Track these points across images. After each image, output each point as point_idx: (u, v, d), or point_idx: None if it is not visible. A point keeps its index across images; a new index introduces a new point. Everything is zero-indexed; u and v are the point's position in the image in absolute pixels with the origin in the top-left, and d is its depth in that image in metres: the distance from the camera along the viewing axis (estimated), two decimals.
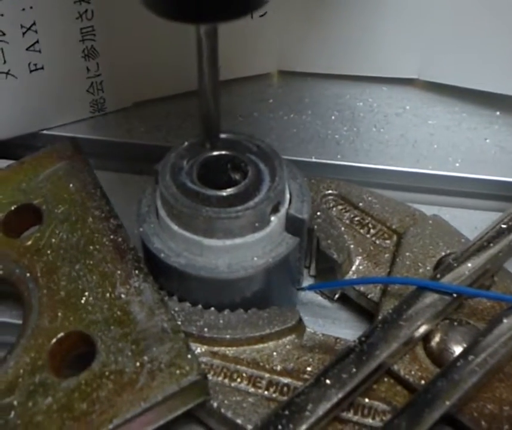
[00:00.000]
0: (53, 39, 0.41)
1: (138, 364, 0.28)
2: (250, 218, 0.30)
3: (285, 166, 0.33)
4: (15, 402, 0.28)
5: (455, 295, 0.31)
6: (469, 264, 0.32)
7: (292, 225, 0.32)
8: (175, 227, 0.31)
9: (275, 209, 0.31)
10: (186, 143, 0.34)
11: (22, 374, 0.29)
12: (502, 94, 0.44)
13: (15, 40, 0.40)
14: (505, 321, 0.30)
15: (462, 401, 0.28)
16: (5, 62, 0.40)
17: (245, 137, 0.34)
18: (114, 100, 0.45)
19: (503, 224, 0.33)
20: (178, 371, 0.28)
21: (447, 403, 0.27)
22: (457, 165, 0.41)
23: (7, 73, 0.41)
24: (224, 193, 0.31)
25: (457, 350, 0.30)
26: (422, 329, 0.30)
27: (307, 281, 0.36)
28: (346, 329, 0.34)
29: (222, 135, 0.34)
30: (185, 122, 0.44)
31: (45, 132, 0.44)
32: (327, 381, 0.28)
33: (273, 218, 0.31)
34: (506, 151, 0.42)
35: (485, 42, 0.43)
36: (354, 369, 0.29)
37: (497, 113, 0.44)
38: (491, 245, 0.32)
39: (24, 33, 0.40)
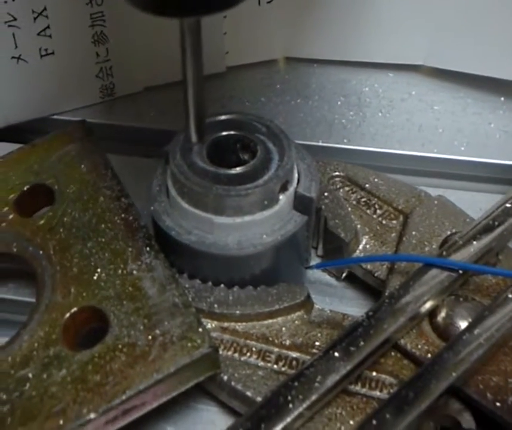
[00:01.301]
0: (63, 25, 0.41)
1: (150, 337, 0.29)
2: (259, 195, 0.31)
3: (293, 147, 0.33)
4: (30, 375, 0.28)
5: (460, 271, 0.31)
6: (475, 242, 0.32)
7: (301, 203, 0.32)
8: (186, 206, 0.32)
9: (284, 188, 0.32)
10: None
11: (36, 348, 0.29)
12: (506, 80, 0.44)
13: (26, 25, 0.40)
14: (510, 296, 0.30)
15: (468, 373, 0.28)
16: (16, 47, 0.41)
17: (254, 117, 0.34)
18: (123, 85, 0.45)
19: (509, 203, 0.34)
20: (189, 344, 0.28)
21: (454, 375, 0.28)
22: (462, 148, 0.42)
23: (18, 58, 0.41)
24: (234, 171, 0.32)
25: (463, 325, 0.30)
26: (428, 304, 0.31)
27: (315, 261, 0.37)
28: (353, 308, 0.34)
29: (232, 116, 0.34)
30: None
31: (55, 117, 0.44)
32: (336, 354, 0.29)
33: (281, 196, 0.32)
34: (510, 135, 0.42)
35: (490, 29, 0.44)
36: (361, 343, 0.29)
37: (502, 98, 0.45)
38: (496, 223, 0.33)
39: (35, 18, 0.40)
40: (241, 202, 0.31)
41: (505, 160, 0.41)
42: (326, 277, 0.36)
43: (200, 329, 0.29)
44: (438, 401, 0.28)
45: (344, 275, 0.36)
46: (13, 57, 0.41)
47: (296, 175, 0.33)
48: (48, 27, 0.41)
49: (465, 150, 0.42)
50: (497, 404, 0.28)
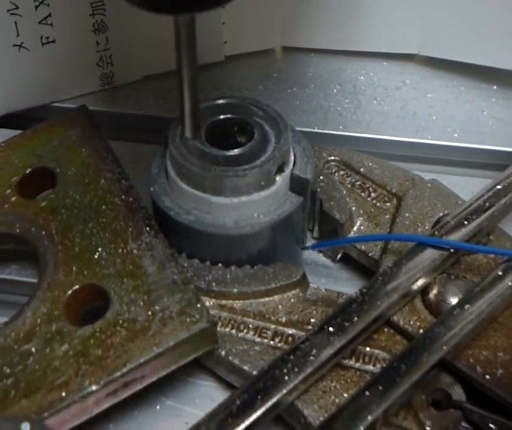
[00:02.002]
0: (64, 13, 0.42)
1: (150, 313, 0.30)
2: (256, 176, 0.32)
3: (290, 130, 0.34)
4: (33, 349, 0.29)
5: (452, 250, 0.32)
6: (466, 222, 0.33)
7: (296, 185, 0.33)
8: (185, 186, 0.32)
9: (280, 170, 0.33)
10: None
11: (39, 324, 0.30)
12: (499, 68, 0.45)
13: (28, 13, 0.41)
14: (500, 273, 0.31)
15: (459, 347, 0.29)
16: (18, 35, 0.41)
17: (251, 101, 0.35)
18: (122, 74, 0.46)
19: (499, 185, 0.35)
20: (188, 319, 0.29)
21: (444, 348, 0.29)
22: (455, 135, 0.42)
23: (20, 46, 0.42)
24: (232, 153, 0.32)
25: (454, 301, 0.31)
26: (421, 282, 0.32)
27: (310, 243, 0.37)
28: (347, 288, 0.35)
29: (230, 100, 0.35)
30: None
31: (56, 104, 0.45)
32: (330, 329, 0.30)
33: (278, 177, 0.33)
34: (502, 122, 0.43)
35: (483, 18, 0.44)
36: (355, 319, 0.30)
37: (495, 87, 0.46)
38: (487, 204, 0.34)
39: (36, 7, 0.41)
40: (238, 182, 0.32)
41: (497, 147, 0.42)
42: (322, 258, 0.37)
43: (199, 305, 0.30)
44: (430, 373, 0.29)
45: (339, 256, 0.36)
46: (15, 45, 0.42)
47: (292, 157, 0.34)
48: (49, 15, 0.42)
49: (458, 136, 0.42)
50: (487, 376, 0.29)
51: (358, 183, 0.38)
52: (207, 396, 0.31)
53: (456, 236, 0.33)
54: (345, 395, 0.29)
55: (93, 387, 0.28)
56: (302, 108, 0.44)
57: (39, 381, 0.28)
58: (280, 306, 0.32)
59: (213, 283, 0.32)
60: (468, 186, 0.39)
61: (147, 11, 0.25)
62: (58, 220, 0.34)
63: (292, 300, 0.32)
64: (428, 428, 0.28)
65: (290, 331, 0.31)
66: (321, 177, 0.36)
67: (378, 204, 0.37)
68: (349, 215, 0.35)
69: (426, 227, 0.34)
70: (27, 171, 0.36)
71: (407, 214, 0.35)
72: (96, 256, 0.32)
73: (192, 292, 0.30)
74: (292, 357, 0.29)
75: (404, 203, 0.36)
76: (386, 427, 0.28)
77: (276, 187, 0.33)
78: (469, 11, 0.44)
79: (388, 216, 0.36)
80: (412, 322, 0.31)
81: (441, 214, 0.35)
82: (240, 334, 0.31)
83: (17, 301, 0.34)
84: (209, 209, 0.32)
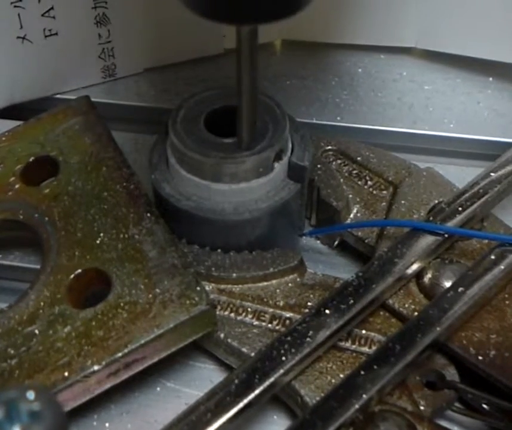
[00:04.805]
0: (67, 6, 0.43)
1: (150, 295, 0.30)
2: (254, 163, 0.32)
3: (288, 118, 0.35)
4: (36, 331, 0.30)
5: (446, 235, 0.33)
6: (460, 209, 0.34)
7: (294, 172, 0.34)
8: (185, 173, 0.33)
9: (278, 157, 0.33)
10: (193, 98, 0.36)
11: (42, 306, 0.31)
12: (494, 61, 0.46)
13: (31, 6, 0.42)
14: (493, 257, 0.32)
15: (452, 329, 0.30)
16: (21, 27, 0.42)
17: None
18: (124, 66, 0.47)
19: (492, 172, 0.35)
20: (188, 301, 0.30)
21: (438, 329, 0.29)
22: (451, 126, 0.43)
23: (23, 38, 0.42)
24: (231, 140, 0.33)
25: (448, 285, 0.32)
26: (415, 266, 0.32)
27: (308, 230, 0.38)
28: (344, 274, 0.36)
29: (229, 89, 0.36)
30: (193, 87, 0.46)
31: (58, 96, 0.46)
32: (327, 311, 0.30)
33: (276, 165, 0.33)
34: (497, 113, 0.44)
35: (479, 12, 0.45)
36: (351, 301, 0.31)
37: (490, 78, 0.46)
38: (481, 191, 0.35)
39: (39, 0, 0.42)
40: (237, 169, 0.32)
41: (493, 137, 0.42)
42: (319, 245, 0.38)
43: (198, 288, 0.30)
44: (424, 354, 0.29)
45: (336, 242, 0.37)
46: (18, 37, 0.42)
47: (290, 145, 0.34)
48: (52, 8, 0.42)
49: (454, 127, 0.43)
50: (480, 357, 0.29)
51: (355, 171, 0.38)
52: (206, 378, 0.32)
53: (450, 222, 0.33)
54: (341, 375, 0.30)
55: (95, 367, 0.28)
56: (301, 100, 0.45)
57: (42, 361, 0.29)
58: (278, 290, 0.33)
59: (213, 268, 0.33)
60: (463, 175, 0.39)
61: (211, 21, 0.25)
62: (60, 206, 0.35)
63: (290, 284, 0.33)
64: (422, 407, 0.29)
65: (288, 314, 0.32)
66: (318, 166, 0.37)
67: (375, 192, 0.37)
68: (346, 203, 0.36)
69: (422, 214, 0.35)
70: (31, 159, 0.37)
71: (403, 201, 0.36)
72: (98, 241, 0.33)
73: (192, 276, 0.31)
74: (289, 338, 0.30)
75: (400, 191, 0.36)
76: (381, 405, 0.28)
77: (274, 174, 0.33)
78: (466, 5, 0.45)
79: (384, 203, 0.37)
80: (406, 305, 0.32)
81: (436, 201, 0.36)
82: (238, 317, 0.32)
83: (20, 287, 0.35)
84: (209, 196, 0.33)
